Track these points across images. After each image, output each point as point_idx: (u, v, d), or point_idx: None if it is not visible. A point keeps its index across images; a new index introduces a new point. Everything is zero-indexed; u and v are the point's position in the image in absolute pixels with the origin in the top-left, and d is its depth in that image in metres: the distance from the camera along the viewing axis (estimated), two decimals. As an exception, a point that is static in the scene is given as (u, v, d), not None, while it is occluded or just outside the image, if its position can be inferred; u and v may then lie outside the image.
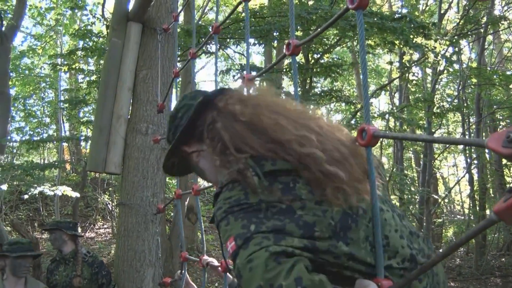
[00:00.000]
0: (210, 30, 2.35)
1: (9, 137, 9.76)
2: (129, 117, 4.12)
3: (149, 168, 3.97)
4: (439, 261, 1.13)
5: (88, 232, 13.26)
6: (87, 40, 8.06)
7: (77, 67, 8.55)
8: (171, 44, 4.37)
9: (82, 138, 9.66)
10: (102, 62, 8.78)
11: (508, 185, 13.16)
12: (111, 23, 4.42)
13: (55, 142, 10.93)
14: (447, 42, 8.06)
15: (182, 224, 3.26)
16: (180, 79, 7.58)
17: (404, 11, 11.44)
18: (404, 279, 1.16)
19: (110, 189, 16.68)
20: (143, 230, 3.83)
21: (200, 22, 10.71)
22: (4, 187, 6.11)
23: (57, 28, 13.95)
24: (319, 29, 1.81)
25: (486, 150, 13.80)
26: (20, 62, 14.65)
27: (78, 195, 6.84)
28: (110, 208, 14.60)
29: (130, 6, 4.36)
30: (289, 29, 2.09)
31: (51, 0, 11.24)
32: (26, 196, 6.62)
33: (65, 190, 6.51)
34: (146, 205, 3.86)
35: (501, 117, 14.70)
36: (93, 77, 9.37)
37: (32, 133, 13.67)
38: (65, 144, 15.30)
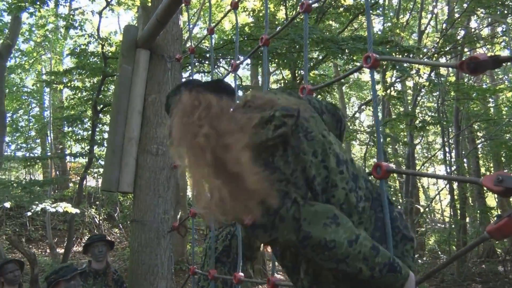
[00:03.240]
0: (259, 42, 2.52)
1: (6, 154, 9.84)
2: (139, 139, 4.38)
3: (159, 187, 4.24)
4: (441, 269, 1.48)
5: (76, 246, 13.29)
6: (83, 59, 8.27)
7: (73, 85, 8.74)
8: (177, 68, 4.67)
9: (79, 154, 9.79)
10: (96, 80, 9.02)
11: (488, 201, 13.75)
12: (121, 50, 4.68)
13: (51, 159, 11.04)
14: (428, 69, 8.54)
15: (193, 240, 3.53)
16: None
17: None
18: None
19: (97, 203, 16.75)
20: (156, 245, 4.09)
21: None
22: (8, 204, 6.26)
23: (46, 44, 14.08)
24: (332, 81, 2.14)
25: (465, 160, 14.38)
26: (8, 78, 14.73)
27: (78, 211, 7.01)
28: (97, 222, 14.67)
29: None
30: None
31: (44, 18, 11.38)
32: (29, 213, 6.76)
33: (66, 207, 6.68)
34: (158, 222, 4.13)
35: (478, 128, 15.36)
36: (84, 93, 9.56)
37: (19, 147, 13.76)
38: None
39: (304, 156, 1.41)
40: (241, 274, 2.57)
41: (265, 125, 1.39)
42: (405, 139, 12.19)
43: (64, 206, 6.72)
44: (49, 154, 11.96)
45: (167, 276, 4.10)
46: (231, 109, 1.49)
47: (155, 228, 4.09)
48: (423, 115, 15.07)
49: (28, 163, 8.85)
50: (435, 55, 10.14)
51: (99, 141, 9.18)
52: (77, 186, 9.85)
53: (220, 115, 1.43)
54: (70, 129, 9.80)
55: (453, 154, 13.71)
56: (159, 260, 4.08)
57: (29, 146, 15.20)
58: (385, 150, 13.92)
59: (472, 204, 15.68)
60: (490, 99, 14.53)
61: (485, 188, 1.29)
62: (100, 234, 4.66)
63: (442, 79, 11.74)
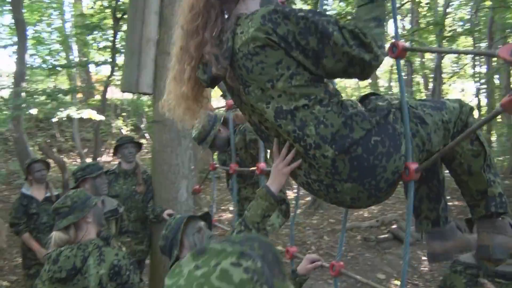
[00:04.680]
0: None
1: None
2: (158, 40, 4.32)
3: (178, 89, 4.24)
4: (477, 129, 1.47)
5: (104, 156, 13.78)
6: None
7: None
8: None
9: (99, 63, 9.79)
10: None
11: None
12: None
13: (76, 68, 11.08)
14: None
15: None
16: None
17: None
18: (427, 161, 1.53)
19: (124, 114, 17.11)
20: (176, 145, 4.19)
21: None
22: (34, 111, 6.43)
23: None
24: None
25: (496, 76, 13.86)
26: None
27: (103, 118, 7.18)
28: (124, 133, 15.06)
29: None
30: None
31: None
32: (55, 119, 6.95)
33: (90, 114, 6.83)
34: (179, 122, 4.18)
35: (512, 41, 14.58)
36: (105, 2, 9.40)
37: (43, 60, 13.80)
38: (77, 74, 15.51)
39: None
40: (263, 164, 2.60)
41: None
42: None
43: (89, 113, 6.87)
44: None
45: (188, 175, 4.24)
46: None
47: (175, 128, 4.15)
48: (454, 25, 14.32)
49: (52, 72, 8.92)
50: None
51: (122, 50, 9.09)
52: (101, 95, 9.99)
53: None
54: (90, 36, 9.73)
55: (483, 69, 13.22)
56: (179, 160, 4.20)
57: (53, 59, 15.26)
58: (412, 61, 13.49)
59: (500, 120, 15.37)
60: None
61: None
62: (129, 136, 4.78)
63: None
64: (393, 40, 1.58)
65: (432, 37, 12.99)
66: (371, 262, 6.73)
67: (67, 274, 2.20)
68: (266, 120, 1.59)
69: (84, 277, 2.21)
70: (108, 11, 8.91)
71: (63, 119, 8.31)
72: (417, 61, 14.59)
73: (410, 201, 1.57)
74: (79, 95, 14.89)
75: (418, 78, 17.55)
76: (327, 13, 1.56)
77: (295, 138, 1.52)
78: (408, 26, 14.47)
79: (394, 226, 7.79)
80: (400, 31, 15.48)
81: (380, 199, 1.59)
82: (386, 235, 7.50)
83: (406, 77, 13.99)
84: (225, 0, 1.62)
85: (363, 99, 1.70)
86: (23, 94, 7.68)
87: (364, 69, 1.47)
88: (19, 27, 8.95)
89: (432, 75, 13.26)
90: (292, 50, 1.45)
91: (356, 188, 1.52)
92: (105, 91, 8.92)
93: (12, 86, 8.46)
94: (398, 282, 5.98)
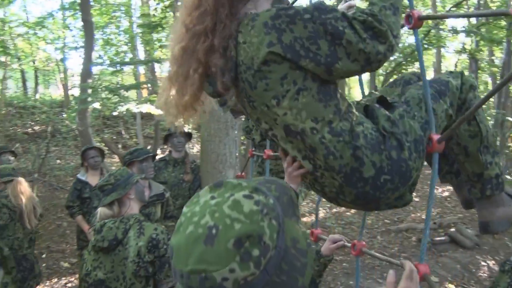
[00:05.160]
0: None
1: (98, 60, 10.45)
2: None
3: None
4: (481, 105, 1.41)
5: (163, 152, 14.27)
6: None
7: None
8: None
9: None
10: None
11: None
12: None
13: (140, 65, 11.55)
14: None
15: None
16: None
17: None
18: (449, 130, 1.48)
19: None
20: (224, 135, 4.29)
21: None
22: (97, 105, 6.81)
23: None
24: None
25: None
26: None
27: (161, 112, 7.41)
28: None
29: None
30: None
31: None
32: (115, 113, 7.31)
33: (149, 108, 7.11)
34: (227, 113, 4.29)
35: None
36: (168, 2, 9.76)
37: (111, 60, 14.58)
38: (141, 72, 16.19)
39: None
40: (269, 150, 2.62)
41: None
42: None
43: (147, 107, 7.15)
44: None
45: (234, 164, 4.33)
46: None
47: (223, 118, 4.25)
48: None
49: (117, 70, 9.37)
50: None
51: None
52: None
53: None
54: (155, 36, 10.07)
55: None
56: (227, 150, 4.30)
57: (120, 59, 16.06)
58: (478, 58, 12.81)
59: None
60: None
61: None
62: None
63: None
64: (408, 10, 1.53)
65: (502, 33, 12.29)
66: (425, 264, 6.50)
67: (109, 244, 2.34)
68: (275, 135, 1.52)
69: (125, 248, 2.34)
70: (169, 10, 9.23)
71: (123, 113, 8.70)
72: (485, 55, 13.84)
73: (435, 172, 1.53)
74: (145, 93, 15.54)
75: (485, 77, 16.68)
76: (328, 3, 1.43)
77: (304, 157, 1.48)
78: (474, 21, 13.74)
79: (452, 229, 7.47)
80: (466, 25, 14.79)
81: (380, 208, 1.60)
82: (443, 238, 7.21)
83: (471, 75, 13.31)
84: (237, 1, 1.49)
85: (372, 108, 1.58)
86: (89, 90, 8.16)
87: (379, 61, 1.38)
88: (87, 28, 9.52)
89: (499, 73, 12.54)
90: (300, 60, 1.35)
91: (358, 206, 1.56)
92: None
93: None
94: (452, 286, 5.75)
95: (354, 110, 1.48)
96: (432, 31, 9.69)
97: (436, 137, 1.46)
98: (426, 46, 10.09)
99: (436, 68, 15.56)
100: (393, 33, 1.37)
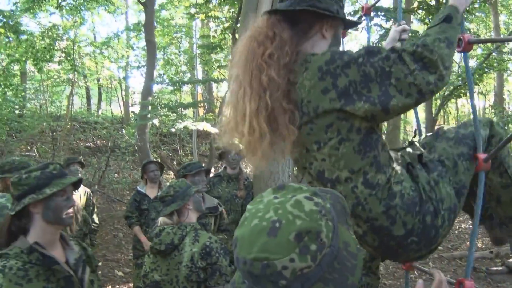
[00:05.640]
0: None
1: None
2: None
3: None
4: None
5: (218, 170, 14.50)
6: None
7: (212, 15, 9.27)
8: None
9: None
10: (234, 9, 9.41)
11: None
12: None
13: (198, 84, 11.97)
14: None
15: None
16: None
17: None
18: (495, 149, 1.51)
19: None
20: (278, 153, 4.37)
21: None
22: (156, 121, 7.12)
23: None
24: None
25: None
26: (160, 14, 16.09)
27: (217, 131, 7.61)
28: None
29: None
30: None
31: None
32: (173, 130, 7.59)
33: (205, 126, 7.34)
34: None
35: None
36: (227, 24, 10.13)
37: (171, 78, 15.20)
38: (199, 91, 16.72)
39: None
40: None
41: None
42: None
43: (204, 125, 7.38)
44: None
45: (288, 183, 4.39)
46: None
47: (277, 137, 4.35)
48: None
49: (175, 88, 9.77)
50: None
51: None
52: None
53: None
54: (214, 56, 10.39)
55: None
56: (280, 168, 4.38)
57: (179, 78, 16.71)
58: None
59: None
60: None
61: None
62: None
63: None
64: (459, 35, 1.56)
65: None
66: (481, 294, 6.22)
67: (165, 247, 2.48)
68: (310, 173, 1.55)
69: (180, 253, 2.46)
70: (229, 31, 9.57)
71: (181, 130, 9.01)
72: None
73: (481, 190, 1.55)
74: (201, 112, 16.00)
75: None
76: (376, 43, 1.45)
77: None
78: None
79: (510, 260, 7.10)
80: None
81: None
82: (499, 268, 6.87)
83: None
84: (299, 37, 1.52)
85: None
86: (149, 107, 8.56)
87: (432, 92, 1.38)
88: (150, 48, 10.03)
89: None
90: (354, 103, 1.37)
91: (376, 253, 1.60)
92: (221, 107, 9.52)
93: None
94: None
95: (394, 165, 1.49)
96: (494, 54, 9.40)
97: (482, 156, 1.49)
98: (486, 70, 9.81)
99: (497, 91, 14.96)
100: (445, 64, 1.38)
